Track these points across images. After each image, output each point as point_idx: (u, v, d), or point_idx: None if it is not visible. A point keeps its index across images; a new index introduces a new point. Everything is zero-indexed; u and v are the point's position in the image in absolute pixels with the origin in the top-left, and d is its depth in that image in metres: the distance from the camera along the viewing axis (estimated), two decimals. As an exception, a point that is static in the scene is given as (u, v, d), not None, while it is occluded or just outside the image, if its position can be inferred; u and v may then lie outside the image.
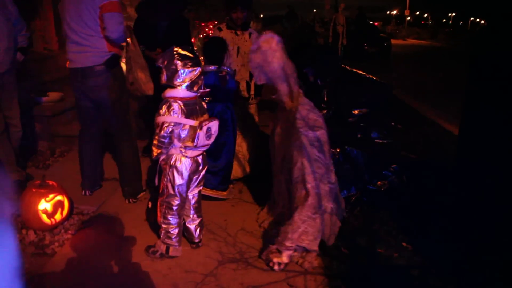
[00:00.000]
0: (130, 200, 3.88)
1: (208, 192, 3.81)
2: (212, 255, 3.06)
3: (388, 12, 59.92)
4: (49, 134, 5.28)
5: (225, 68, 3.81)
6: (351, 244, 3.19)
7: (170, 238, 3.00)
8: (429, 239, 3.24)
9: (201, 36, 11.46)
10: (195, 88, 2.83)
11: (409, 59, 18.34)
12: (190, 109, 2.83)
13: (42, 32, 7.10)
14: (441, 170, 4.29)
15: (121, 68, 3.82)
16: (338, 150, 3.87)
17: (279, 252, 2.92)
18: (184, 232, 3.19)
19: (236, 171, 4.32)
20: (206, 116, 2.96)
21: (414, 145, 5.23)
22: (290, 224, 2.92)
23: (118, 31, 3.46)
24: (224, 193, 3.99)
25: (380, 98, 4.39)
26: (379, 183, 4.00)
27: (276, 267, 2.88)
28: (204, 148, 2.97)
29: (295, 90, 3.20)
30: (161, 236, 3.03)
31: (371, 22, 22.69)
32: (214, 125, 2.91)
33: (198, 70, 2.82)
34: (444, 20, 59.42)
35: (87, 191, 3.98)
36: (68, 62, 3.69)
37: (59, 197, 3.37)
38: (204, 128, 2.82)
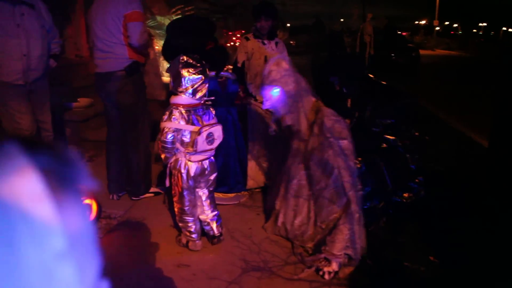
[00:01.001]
0: (132, 198, 4.07)
1: None
2: (237, 263, 3.06)
3: (416, 22, 59.26)
4: (79, 139, 5.39)
5: (225, 74, 3.99)
6: (377, 256, 3.15)
7: (188, 234, 3.19)
8: (457, 254, 3.17)
9: (228, 44, 11.56)
10: (198, 95, 2.94)
11: (438, 69, 18.08)
12: (193, 115, 2.96)
13: (74, 39, 7.27)
14: (469, 183, 4.20)
15: (141, 74, 3.98)
16: (359, 159, 3.84)
17: (328, 261, 2.94)
18: (204, 230, 3.29)
19: (259, 180, 4.33)
20: (213, 121, 3.07)
21: (441, 157, 5.15)
22: (336, 233, 2.95)
23: (141, 39, 3.66)
24: (224, 195, 4.03)
25: (406, 109, 4.36)
26: (405, 195, 3.94)
27: (326, 276, 2.90)
28: (208, 153, 3.10)
29: (312, 104, 3.24)
30: (182, 231, 3.25)
31: (399, 32, 22.46)
32: (217, 130, 3.03)
33: (201, 78, 2.92)
34: (475, 30, 58.45)
35: (114, 195, 4.05)
36: (94, 68, 3.89)
37: (87, 201, 3.43)
38: (204, 134, 2.93)
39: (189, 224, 3.17)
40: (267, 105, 3.25)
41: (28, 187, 0.37)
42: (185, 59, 2.92)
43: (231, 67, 4.46)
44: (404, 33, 29.88)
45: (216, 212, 3.31)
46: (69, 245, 0.38)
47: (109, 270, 0.51)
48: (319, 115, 3.20)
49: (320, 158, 3.13)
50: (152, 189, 4.16)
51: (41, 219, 0.36)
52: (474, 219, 3.59)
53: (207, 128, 2.96)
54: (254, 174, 4.31)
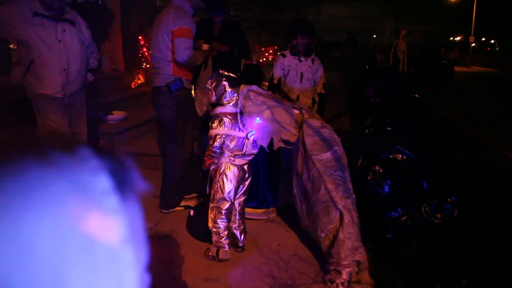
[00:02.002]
0: (162, 210, 4.14)
1: None
2: (264, 279, 3.05)
3: (451, 38, 58.29)
4: (112, 151, 5.50)
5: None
6: (407, 277, 3.08)
7: (220, 240, 3.29)
8: (490, 277, 3.07)
9: (261, 60, 11.65)
10: (239, 104, 3.24)
11: (473, 87, 17.72)
12: (234, 123, 3.23)
13: (111, 54, 7.49)
14: (505, 204, 4.07)
15: (187, 90, 4.14)
16: (378, 168, 3.81)
17: (339, 272, 2.97)
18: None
19: (290, 197, 4.31)
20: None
21: (475, 176, 5.01)
22: (339, 245, 3.00)
23: (184, 55, 3.79)
24: (253, 210, 4.06)
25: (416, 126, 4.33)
26: (437, 215, 3.85)
27: (341, 287, 2.94)
28: (251, 157, 3.35)
29: (295, 117, 3.39)
30: (213, 240, 3.33)
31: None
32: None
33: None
34: (513, 47, 56.87)
35: None
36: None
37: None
38: (251, 138, 3.24)
39: (222, 229, 3.29)
40: (253, 137, 3.38)
41: (98, 182, 0.46)
42: (226, 73, 3.24)
43: (266, 83, 4.52)
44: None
45: (244, 226, 3.50)
46: (125, 234, 0.46)
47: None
48: (302, 131, 3.33)
49: (308, 175, 3.25)
50: (183, 203, 4.21)
51: (107, 209, 0.45)
52: (509, 241, 3.48)
53: (252, 134, 3.28)
54: (286, 190, 4.30)
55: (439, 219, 3.82)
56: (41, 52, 3.65)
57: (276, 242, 3.59)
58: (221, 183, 3.28)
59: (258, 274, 3.12)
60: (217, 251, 3.28)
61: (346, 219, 3.00)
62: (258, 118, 3.32)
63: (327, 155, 3.19)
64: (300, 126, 3.36)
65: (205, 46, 4.22)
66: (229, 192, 3.28)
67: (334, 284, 2.95)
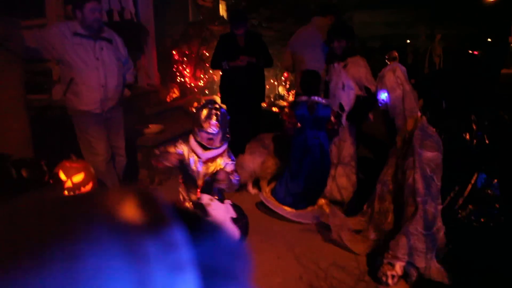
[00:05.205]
0: None
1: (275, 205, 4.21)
2: (302, 289, 3.03)
3: (489, 40, 56.60)
4: (150, 164, 5.60)
5: (315, 98, 4.06)
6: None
7: None
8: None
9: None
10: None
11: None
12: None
13: (146, 69, 7.64)
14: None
15: None
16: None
17: (392, 265, 2.96)
18: None
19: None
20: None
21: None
22: (400, 238, 3.00)
23: None
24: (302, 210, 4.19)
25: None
26: (481, 220, 3.72)
27: (390, 281, 2.92)
28: None
29: (414, 116, 3.52)
30: None
31: (470, 51, 21.56)
32: None
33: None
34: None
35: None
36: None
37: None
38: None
39: None
40: (380, 105, 3.78)
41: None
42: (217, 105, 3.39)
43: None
44: (476, 52, 28.50)
45: None
46: None
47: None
48: (415, 127, 3.42)
49: (403, 164, 3.31)
50: None
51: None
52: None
53: None
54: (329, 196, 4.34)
55: (482, 223, 3.69)
56: (81, 70, 3.78)
57: (313, 251, 3.56)
58: None
59: (296, 284, 3.10)
60: None
61: (418, 214, 3.01)
62: (386, 93, 3.70)
63: (429, 154, 3.23)
64: (414, 124, 3.48)
65: None
66: None
67: (384, 277, 2.94)
